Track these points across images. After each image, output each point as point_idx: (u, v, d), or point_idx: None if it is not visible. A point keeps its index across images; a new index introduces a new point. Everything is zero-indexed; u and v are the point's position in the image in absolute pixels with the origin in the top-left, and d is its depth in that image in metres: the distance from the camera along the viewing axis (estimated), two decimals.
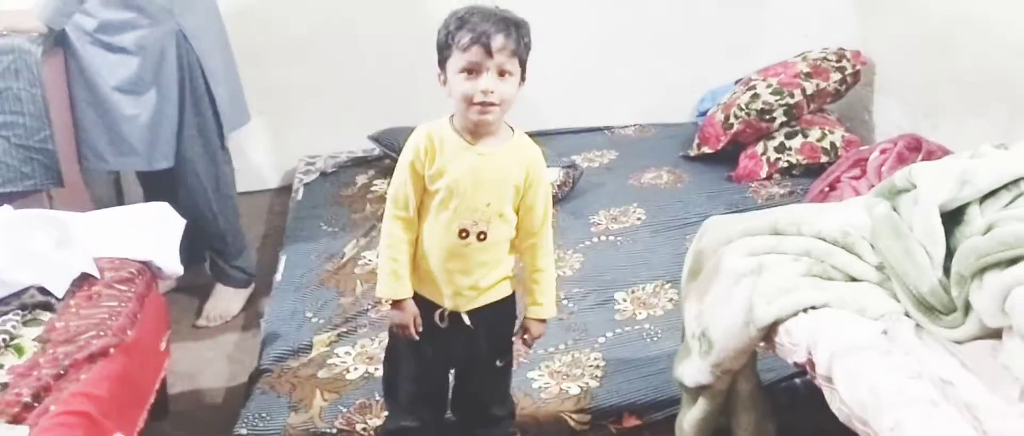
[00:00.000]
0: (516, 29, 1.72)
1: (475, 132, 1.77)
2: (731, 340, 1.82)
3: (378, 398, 2.19)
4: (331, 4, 3.76)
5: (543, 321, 1.94)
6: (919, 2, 3.39)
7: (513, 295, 1.92)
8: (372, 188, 3.53)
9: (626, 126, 4.05)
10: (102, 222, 2.43)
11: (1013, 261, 1.51)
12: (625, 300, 2.67)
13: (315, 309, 2.68)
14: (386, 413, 2.11)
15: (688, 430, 2.02)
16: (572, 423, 2.17)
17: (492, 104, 1.70)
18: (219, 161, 2.92)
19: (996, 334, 1.55)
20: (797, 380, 2.18)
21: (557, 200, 3.21)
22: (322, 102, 3.88)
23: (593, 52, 3.97)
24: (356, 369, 2.37)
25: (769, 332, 1.79)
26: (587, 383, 2.28)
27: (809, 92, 3.49)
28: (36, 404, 1.75)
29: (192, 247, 2.77)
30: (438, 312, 1.87)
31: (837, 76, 3.55)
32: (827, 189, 3.10)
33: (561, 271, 2.79)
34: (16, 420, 1.70)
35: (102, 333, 1.98)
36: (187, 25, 2.72)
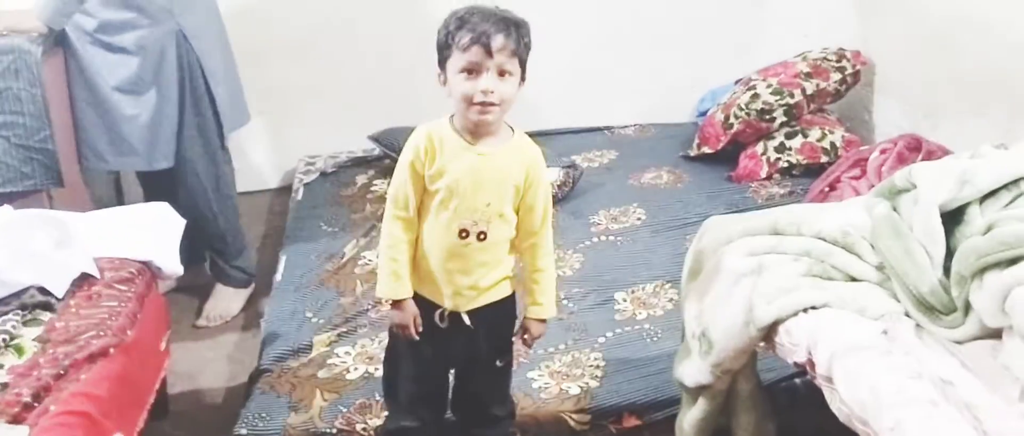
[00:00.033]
0: (516, 29, 1.72)
1: (475, 132, 1.77)
2: (731, 340, 1.82)
3: (378, 398, 2.19)
4: (331, 4, 3.75)
5: (543, 321, 1.94)
6: (919, 2, 3.39)
7: (513, 295, 1.92)
8: (372, 188, 3.53)
9: (626, 126, 4.05)
10: (102, 222, 2.43)
11: (1013, 261, 1.51)
12: (625, 300, 2.67)
13: (315, 309, 2.68)
14: (386, 413, 2.11)
15: (688, 430, 2.02)
16: (572, 423, 2.17)
17: (492, 104, 1.70)
18: (219, 161, 2.92)
19: (996, 334, 1.55)
20: (797, 380, 2.18)
21: (557, 200, 3.21)
22: (322, 102, 3.88)
23: (593, 52, 3.97)
24: (356, 369, 2.37)
25: (769, 332, 1.79)
26: (587, 383, 2.27)
27: (809, 92, 3.49)
28: (36, 404, 1.75)
29: (192, 247, 2.77)
30: (438, 312, 1.87)
31: (837, 76, 3.55)
32: (827, 189, 3.10)
33: (561, 271, 2.79)
34: (16, 420, 1.70)
35: (102, 333, 1.98)
36: (187, 25, 2.72)
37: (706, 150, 3.62)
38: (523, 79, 1.76)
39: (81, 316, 2.05)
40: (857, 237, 1.83)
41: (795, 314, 1.75)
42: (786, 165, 3.45)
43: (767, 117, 3.47)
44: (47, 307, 2.07)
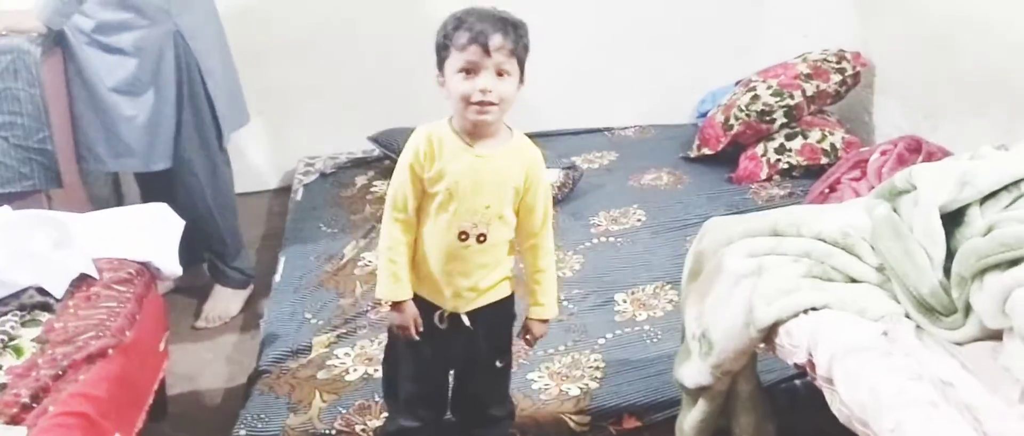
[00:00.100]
0: (514, 29, 1.72)
1: (474, 133, 1.77)
2: (731, 341, 1.82)
3: (377, 399, 2.18)
4: (331, 4, 3.75)
5: (545, 321, 1.94)
6: (919, 3, 3.39)
7: (512, 295, 1.92)
8: (372, 189, 3.53)
9: (626, 127, 4.05)
10: (101, 223, 2.43)
11: (1013, 262, 1.51)
12: (625, 301, 2.67)
13: (314, 310, 2.68)
14: (385, 414, 2.11)
15: (688, 431, 2.01)
16: (572, 424, 2.17)
17: (491, 103, 1.70)
18: (217, 162, 2.92)
19: (996, 335, 1.55)
20: (797, 381, 2.18)
21: (557, 201, 3.21)
22: (322, 103, 3.88)
23: (593, 53, 3.97)
24: (355, 370, 2.37)
25: (769, 333, 1.78)
26: (587, 384, 2.27)
27: (809, 93, 3.49)
28: (34, 405, 1.74)
29: (191, 248, 2.77)
30: (438, 313, 1.86)
31: (837, 77, 3.55)
32: (827, 191, 3.10)
33: (561, 272, 2.79)
34: (15, 421, 1.70)
35: (101, 334, 1.98)
36: (185, 26, 2.72)
37: (706, 151, 3.62)
38: (522, 80, 1.76)
39: (80, 317, 2.05)
40: (857, 238, 1.82)
41: (795, 315, 1.75)
42: (786, 166, 3.45)
43: (767, 118, 3.47)
44: (46, 308, 2.07)
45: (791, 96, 3.47)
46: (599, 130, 4.03)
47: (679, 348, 2.05)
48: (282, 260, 3.03)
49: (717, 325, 1.85)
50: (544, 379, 2.31)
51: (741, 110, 3.49)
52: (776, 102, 3.45)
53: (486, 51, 1.68)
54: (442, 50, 1.74)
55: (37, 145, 2.59)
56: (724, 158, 3.56)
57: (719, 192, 3.37)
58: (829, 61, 3.60)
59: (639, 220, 3.17)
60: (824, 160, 3.42)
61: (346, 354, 2.45)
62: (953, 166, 1.82)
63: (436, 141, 1.77)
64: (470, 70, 1.70)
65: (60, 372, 1.83)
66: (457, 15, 1.73)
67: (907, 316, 1.69)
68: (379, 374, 2.09)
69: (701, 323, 1.91)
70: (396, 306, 1.86)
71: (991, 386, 1.47)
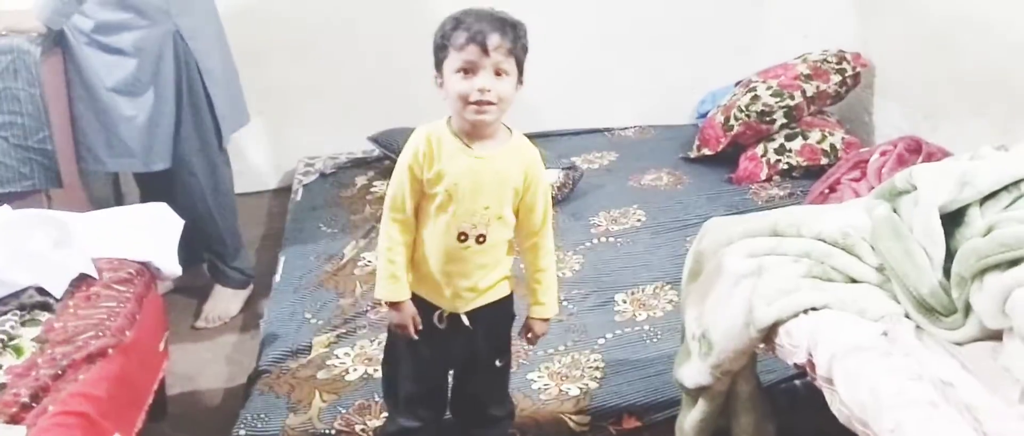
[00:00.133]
0: (512, 29, 1.72)
1: (473, 134, 1.77)
2: (731, 341, 1.82)
3: (377, 399, 2.18)
4: (331, 4, 3.75)
5: (546, 320, 1.94)
6: (919, 4, 3.39)
7: (511, 295, 1.92)
8: (372, 189, 3.53)
9: (626, 128, 4.05)
10: (101, 222, 2.42)
11: (1013, 263, 1.51)
12: (625, 301, 2.67)
13: (314, 310, 2.68)
14: (385, 414, 2.10)
15: (688, 431, 2.01)
16: (572, 424, 2.17)
17: (489, 103, 1.70)
18: (217, 162, 2.92)
19: (996, 336, 1.55)
20: (797, 381, 2.18)
21: (557, 202, 3.21)
22: (322, 103, 3.88)
23: (593, 53, 3.97)
24: (355, 370, 2.37)
25: (769, 333, 1.78)
26: (587, 384, 2.27)
27: (809, 94, 3.49)
28: (34, 404, 1.74)
29: (190, 248, 2.77)
30: (437, 313, 1.86)
31: (837, 78, 3.55)
32: (827, 191, 3.10)
33: (561, 272, 2.79)
34: (14, 420, 1.70)
35: (100, 334, 1.98)
36: (184, 26, 2.72)
37: (706, 152, 3.62)
38: (520, 80, 1.76)
39: (79, 317, 2.04)
40: (857, 238, 1.82)
41: (795, 315, 1.75)
42: (786, 167, 3.45)
43: (767, 119, 3.47)
44: (45, 307, 2.07)
45: (791, 97, 3.47)
46: (599, 130, 4.03)
47: (679, 348, 2.05)
48: (282, 260, 3.03)
49: (717, 325, 1.85)
50: (544, 379, 2.30)
51: (741, 111, 3.49)
52: (776, 103, 3.45)
53: (484, 50, 1.68)
54: (440, 51, 1.74)
55: (37, 145, 2.59)
56: (724, 158, 3.56)
57: (719, 192, 3.37)
58: (829, 62, 3.60)
59: (639, 220, 3.17)
60: (824, 161, 3.42)
61: (346, 354, 2.45)
62: (953, 166, 1.82)
63: (435, 142, 1.77)
64: (468, 70, 1.70)
65: (60, 372, 1.83)
66: (455, 16, 1.74)
67: (907, 316, 1.69)
68: (379, 374, 2.09)
69: (701, 323, 1.91)
70: (394, 306, 1.86)
71: (991, 386, 1.47)
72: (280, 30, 3.74)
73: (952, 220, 1.71)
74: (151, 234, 2.42)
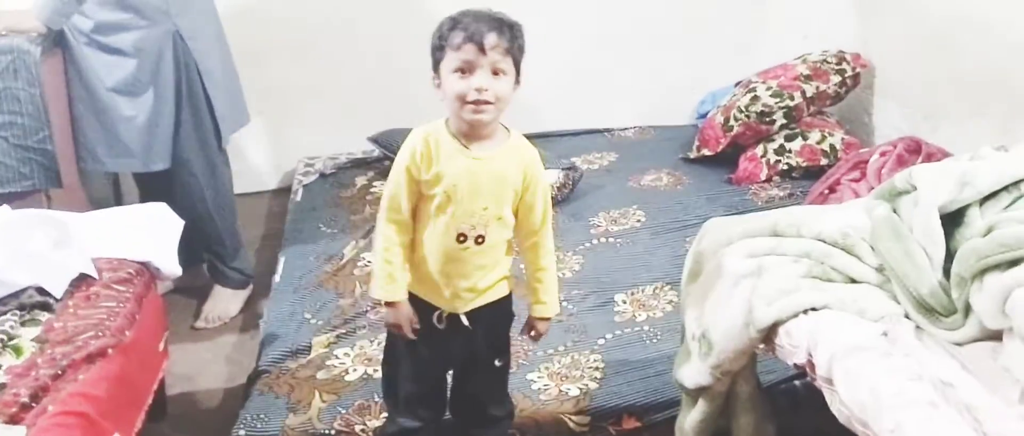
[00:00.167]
0: (509, 29, 1.72)
1: (471, 135, 1.76)
2: (731, 342, 1.82)
3: (377, 399, 2.18)
4: (331, 4, 3.75)
5: (548, 319, 1.95)
6: (919, 4, 3.39)
7: (510, 295, 1.92)
8: (371, 190, 3.53)
9: (626, 128, 4.05)
10: (100, 222, 2.42)
11: (1013, 263, 1.51)
12: (625, 302, 2.67)
13: (314, 310, 2.68)
14: (385, 414, 2.10)
15: (688, 432, 2.01)
16: (571, 425, 2.17)
17: (486, 102, 1.70)
18: (216, 162, 2.91)
19: (996, 336, 1.55)
20: (797, 382, 2.18)
21: (557, 202, 3.21)
22: (322, 103, 3.88)
23: (593, 54, 3.97)
24: (355, 370, 2.37)
25: (769, 334, 1.78)
26: (586, 385, 2.27)
27: (809, 94, 3.49)
28: (34, 404, 1.74)
29: (190, 248, 2.76)
30: (436, 314, 1.86)
31: (837, 79, 3.55)
32: (827, 191, 3.10)
33: (561, 273, 2.79)
34: (14, 420, 1.70)
35: (100, 334, 1.98)
36: (184, 26, 2.71)
37: (706, 152, 3.62)
38: (518, 81, 1.76)
39: (79, 316, 2.04)
40: (857, 239, 1.82)
41: (795, 316, 1.74)
42: (786, 167, 3.45)
43: (767, 119, 3.47)
44: (45, 307, 2.07)
45: (791, 97, 3.47)
46: (599, 131, 4.03)
47: (679, 348, 2.05)
48: (282, 260, 3.02)
49: (717, 325, 1.85)
50: (544, 379, 2.30)
51: (741, 111, 3.49)
52: (776, 103, 3.45)
53: (481, 49, 1.68)
54: (437, 51, 1.75)
55: (37, 145, 2.59)
56: (724, 159, 3.56)
57: (719, 193, 3.37)
58: (829, 62, 3.60)
59: (639, 221, 3.17)
60: (824, 161, 3.42)
61: (346, 354, 2.44)
62: (953, 167, 1.82)
63: (433, 143, 1.77)
64: (465, 69, 1.70)
65: (59, 372, 1.83)
66: (452, 16, 1.74)
67: (907, 316, 1.68)
68: (379, 374, 2.09)
69: (701, 323, 1.91)
70: (391, 305, 1.86)
71: (991, 386, 1.47)
72: (280, 30, 3.74)
73: (952, 220, 1.71)
74: (151, 234, 2.42)
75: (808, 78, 3.52)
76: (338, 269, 2.92)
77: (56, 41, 2.67)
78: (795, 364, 1.74)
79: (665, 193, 3.39)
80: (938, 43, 3.28)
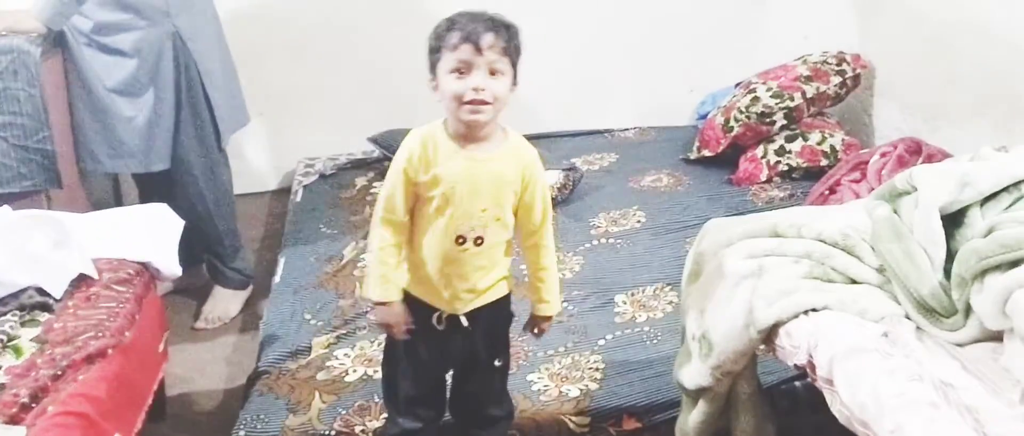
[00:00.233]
0: (506, 29, 1.72)
1: (468, 136, 1.76)
2: (731, 342, 1.82)
3: (377, 400, 2.18)
4: (331, 5, 3.75)
5: (550, 317, 1.95)
6: (919, 5, 3.39)
7: (509, 295, 1.92)
8: (371, 190, 3.53)
9: (626, 129, 4.05)
10: (100, 223, 2.42)
11: (1014, 264, 1.51)
12: (625, 302, 2.67)
13: (314, 311, 2.68)
14: (385, 415, 2.10)
15: (689, 433, 2.01)
16: (572, 426, 2.17)
17: (484, 102, 1.69)
18: (216, 163, 2.91)
19: (997, 337, 1.55)
20: (797, 383, 2.18)
21: (557, 203, 3.21)
22: (321, 104, 3.88)
23: (593, 55, 3.97)
24: (355, 371, 2.37)
25: (769, 334, 1.78)
26: (587, 385, 2.27)
27: (809, 95, 3.49)
28: (34, 405, 1.74)
29: (189, 249, 2.76)
30: (436, 315, 1.86)
31: (837, 79, 3.55)
32: (827, 192, 3.10)
33: (561, 273, 2.78)
34: (14, 421, 1.70)
35: (100, 334, 1.98)
36: (183, 27, 2.71)
37: (706, 153, 3.62)
38: (515, 82, 1.75)
39: (79, 317, 2.04)
40: (857, 239, 1.82)
41: (795, 316, 1.74)
42: (786, 168, 3.45)
43: (767, 120, 3.47)
44: (45, 308, 2.07)
45: (791, 98, 3.47)
46: (599, 132, 4.03)
47: (679, 349, 2.05)
48: (281, 261, 3.02)
49: (717, 326, 1.85)
50: (544, 380, 2.30)
51: (741, 112, 3.49)
52: (776, 104, 3.45)
53: (478, 49, 1.68)
54: (434, 53, 1.74)
55: (37, 145, 2.59)
56: (724, 160, 3.56)
57: (719, 194, 3.37)
58: (829, 63, 3.60)
59: (639, 221, 3.17)
60: (824, 162, 3.42)
61: (346, 355, 2.44)
62: (953, 167, 1.82)
63: (430, 145, 1.76)
64: (462, 70, 1.70)
65: (59, 372, 1.83)
66: (448, 18, 1.74)
67: (907, 317, 1.68)
68: (379, 375, 2.09)
69: (701, 324, 1.91)
70: (383, 305, 1.85)
71: (992, 387, 1.47)
72: (280, 31, 3.74)
73: (952, 221, 1.71)
74: (151, 235, 2.42)
75: (808, 79, 3.52)
76: (338, 270, 2.92)
77: (56, 42, 2.67)
78: (795, 365, 1.74)
79: (665, 194, 3.39)
80: (938, 44, 3.28)
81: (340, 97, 3.88)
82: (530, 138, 1.87)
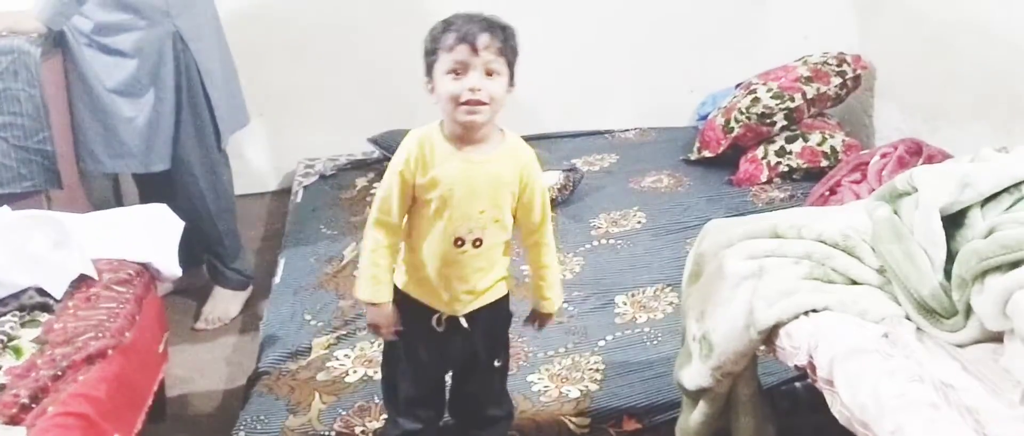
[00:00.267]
0: (502, 30, 1.72)
1: (465, 138, 1.76)
2: (731, 343, 1.82)
3: (377, 401, 2.18)
4: (331, 5, 3.76)
5: (552, 314, 1.96)
6: (919, 6, 3.39)
7: (508, 295, 1.92)
8: (371, 191, 3.52)
9: (627, 130, 4.05)
10: (100, 223, 2.42)
11: (1014, 264, 1.51)
12: (625, 303, 2.67)
13: (314, 312, 2.68)
14: (385, 416, 2.10)
15: (689, 433, 2.01)
16: (572, 427, 2.17)
17: (480, 102, 1.69)
18: (216, 163, 2.91)
19: (997, 337, 1.55)
20: (797, 384, 2.18)
21: (557, 204, 3.21)
22: (322, 104, 3.88)
23: (594, 56, 3.98)
24: (355, 372, 2.37)
25: (770, 335, 1.78)
26: (587, 386, 2.27)
27: (809, 96, 3.49)
28: (34, 405, 1.74)
29: (190, 250, 2.76)
30: (435, 316, 1.86)
31: (837, 80, 3.55)
32: (828, 193, 3.09)
33: (562, 274, 2.76)
34: (14, 421, 1.70)
35: (100, 335, 1.98)
36: (184, 27, 2.71)
37: (706, 154, 3.61)
38: (512, 83, 1.75)
39: (79, 317, 2.04)
40: (858, 240, 1.82)
41: (796, 317, 1.74)
42: (786, 169, 3.45)
43: (767, 121, 3.47)
44: (45, 308, 2.07)
45: (791, 99, 3.46)
46: (599, 132, 4.03)
47: (679, 350, 2.04)
48: (282, 262, 3.02)
49: (717, 327, 1.85)
50: (544, 381, 2.30)
51: (741, 113, 3.49)
52: (776, 105, 3.45)
53: (474, 50, 1.68)
54: (430, 55, 1.74)
55: (37, 146, 2.59)
56: (724, 161, 3.55)
57: (719, 195, 3.37)
58: (829, 64, 3.60)
59: (639, 222, 3.17)
60: (824, 163, 3.42)
61: (346, 356, 2.44)
62: (954, 168, 1.82)
63: (428, 148, 1.76)
64: (459, 70, 1.70)
65: (59, 373, 1.83)
66: (444, 19, 1.74)
67: (908, 318, 1.68)
68: (379, 376, 2.09)
69: (701, 325, 1.90)
70: (373, 306, 1.85)
71: (992, 388, 1.46)
72: (280, 31, 3.74)
73: (953, 222, 1.71)
74: (151, 235, 2.42)
75: (809, 80, 3.52)
76: (338, 270, 2.92)
77: (56, 42, 2.67)
78: (796, 366, 1.74)
79: (666, 195, 3.39)
80: (938, 45, 3.27)
81: (340, 97, 3.88)
82: (530, 139, 1.87)
